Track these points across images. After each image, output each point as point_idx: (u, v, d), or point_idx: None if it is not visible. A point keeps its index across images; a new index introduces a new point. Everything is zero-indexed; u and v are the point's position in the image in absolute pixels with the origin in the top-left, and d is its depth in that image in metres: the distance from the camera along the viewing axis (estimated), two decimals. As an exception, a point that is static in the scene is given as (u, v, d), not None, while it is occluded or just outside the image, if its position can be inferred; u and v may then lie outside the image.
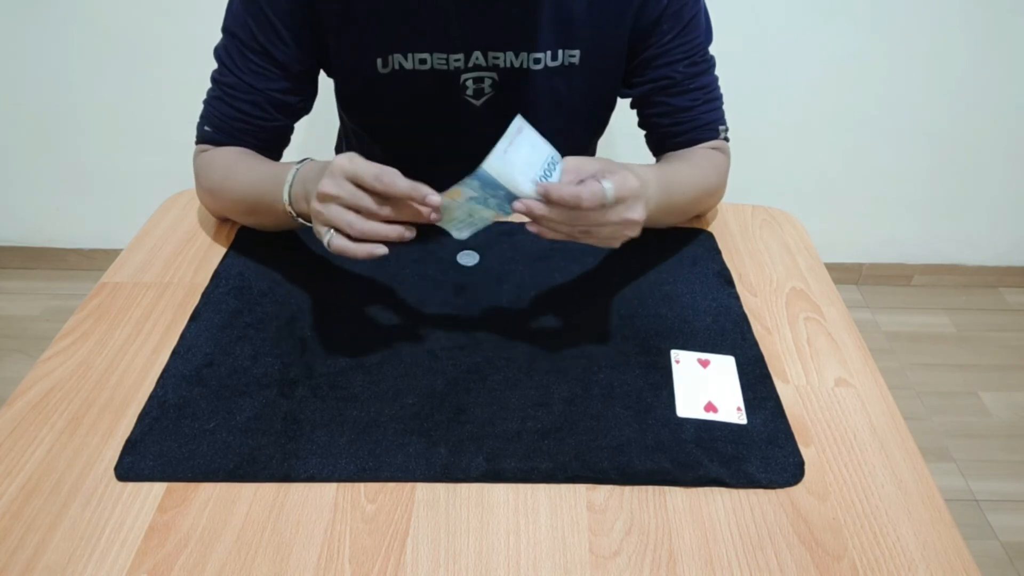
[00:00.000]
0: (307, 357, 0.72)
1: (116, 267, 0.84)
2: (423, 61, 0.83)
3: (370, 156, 1.02)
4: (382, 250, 0.63)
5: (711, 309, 0.80)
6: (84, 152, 1.84)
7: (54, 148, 1.83)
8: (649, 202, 0.70)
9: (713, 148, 0.91)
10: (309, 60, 0.85)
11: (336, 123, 1.11)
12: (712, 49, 0.91)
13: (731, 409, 0.68)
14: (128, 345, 0.74)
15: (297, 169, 0.73)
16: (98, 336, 0.75)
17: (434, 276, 0.83)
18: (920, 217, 1.98)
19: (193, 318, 0.76)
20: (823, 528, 0.59)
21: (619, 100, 0.97)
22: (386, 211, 0.63)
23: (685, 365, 0.73)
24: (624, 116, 1.00)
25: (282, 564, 0.55)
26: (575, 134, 1.00)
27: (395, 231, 0.64)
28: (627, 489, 0.61)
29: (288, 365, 0.71)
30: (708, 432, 0.66)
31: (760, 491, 0.62)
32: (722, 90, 0.93)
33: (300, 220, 0.73)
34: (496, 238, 0.89)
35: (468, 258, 0.86)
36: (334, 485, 0.61)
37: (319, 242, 0.86)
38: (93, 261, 2.03)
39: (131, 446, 0.63)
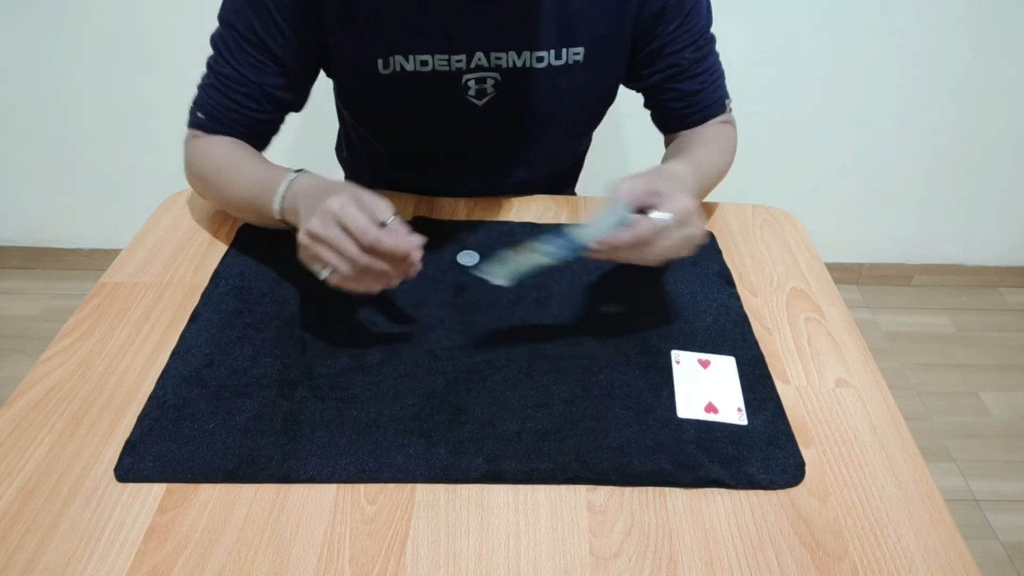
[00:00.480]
0: (307, 357, 0.72)
1: (116, 267, 0.84)
2: (424, 62, 0.83)
3: (371, 155, 1.03)
4: (376, 290, 0.67)
5: (711, 309, 0.80)
6: (84, 152, 1.84)
7: (54, 148, 1.83)
8: (686, 181, 0.76)
9: (722, 123, 0.94)
10: (307, 58, 0.84)
11: (336, 123, 1.11)
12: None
13: (731, 410, 0.68)
14: (128, 345, 0.73)
15: (291, 180, 0.74)
16: (98, 336, 0.75)
17: (434, 276, 0.83)
18: (920, 217, 1.98)
19: (193, 318, 0.76)
20: (824, 529, 0.59)
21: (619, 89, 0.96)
22: (365, 260, 0.63)
23: (685, 365, 0.73)
24: (624, 106, 1.00)
25: (282, 565, 0.55)
26: (575, 130, 1.00)
27: (377, 285, 0.66)
28: (627, 490, 0.61)
29: (288, 365, 0.71)
30: (708, 433, 0.66)
31: (761, 492, 0.62)
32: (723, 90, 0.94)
33: (289, 229, 0.73)
34: (496, 238, 0.89)
35: (468, 258, 0.86)
36: (334, 486, 0.61)
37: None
38: (93, 261, 2.03)
39: (131, 447, 0.63)
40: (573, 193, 1.16)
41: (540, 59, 0.84)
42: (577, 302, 0.80)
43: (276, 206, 0.74)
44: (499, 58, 0.84)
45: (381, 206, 0.65)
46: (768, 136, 1.81)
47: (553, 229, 0.77)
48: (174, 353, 0.72)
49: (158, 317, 0.77)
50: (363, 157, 1.06)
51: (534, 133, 0.93)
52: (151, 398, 0.67)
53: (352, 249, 0.63)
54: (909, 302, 2.07)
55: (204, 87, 0.85)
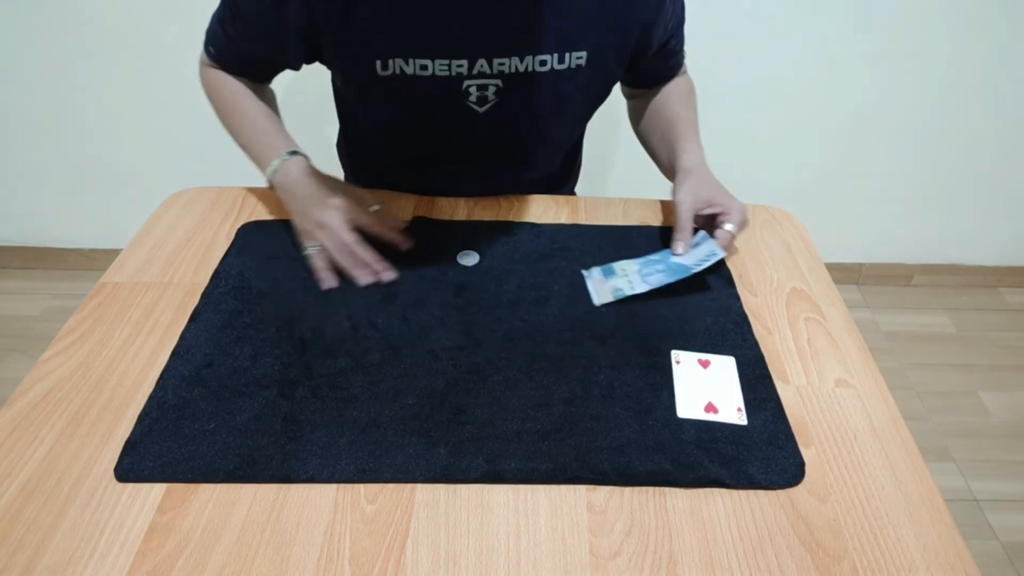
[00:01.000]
0: (307, 357, 0.72)
1: (116, 267, 0.84)
2: (424, 67, 0.82)
3: (371, 154, 1.03)
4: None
5: (711, 309, 0.80)
6: (84, 152, 1.84)
7: (54, 148, 1.83)
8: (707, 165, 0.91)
9: (681, 75, 1.05)
10: (307, 49, 0.85)
11: (336, 123, 1.11)
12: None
13: (731, 410, 0.68)
14: (128, 345, 0.73)
15: (284, 160, 0.86)
16: (98, 336, 0.75)
17: (434, 276, 0.83)
18: (920, 217, 1.98)
19: (193, 318, 0.76)
20: (823, 529, 0.59)
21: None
22: (361, 252, 0.81)
23: (685, 365, 0.73)
24: (624, 106, 1.00)
25: (282, 565, 0.55)
26: (573, 130, 1.00)
27: (369, 276, 0.81)
28: (627, 490, 0.61)
29: (288, 365, 0.71)
30: (708, 433, 0.66)
31: (760, 492, 0.62)
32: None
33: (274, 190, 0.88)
34: (496, 238, 0.89)
35: (468, 258, 0.86)
36: (334, 486, 0.61)
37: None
38: (93, 261, 2.03)
39: (131, 447, 0.63)
40: (572, 192, 1.16)
41: (543, 63, 0.84)
42: (577, 302, 0.80)
43: (268, 174, 0.87)
44: (502, 64, 0.83)
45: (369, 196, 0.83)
46: (768, 136, 1.81)
47: (649, 258, 0.85)
48: (174, 353, 0.72)
49: (158, 317, 0.77)
50: (363, 155, 1.06)
51: (534, 137, 0.93)
52: (151, 398, 0.67)
53: (351, 243, 0.79)
54: (909, 302, 2.07)
55: (214, 28, 0.89)
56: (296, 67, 0.91)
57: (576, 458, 0.63)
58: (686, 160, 0.90)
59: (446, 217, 0.94)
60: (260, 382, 0.69)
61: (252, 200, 0.97)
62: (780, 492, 0.62)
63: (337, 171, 1.19)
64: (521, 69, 0.84)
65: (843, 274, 2.09)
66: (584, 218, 0.95)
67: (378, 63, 0.82)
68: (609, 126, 1.12)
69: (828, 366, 0.75)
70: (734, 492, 0.62)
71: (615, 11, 0.84)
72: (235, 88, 0.92)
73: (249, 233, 0.90)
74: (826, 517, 0.60)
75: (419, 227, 0.91)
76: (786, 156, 1.85)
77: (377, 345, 0.73)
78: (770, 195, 1.84)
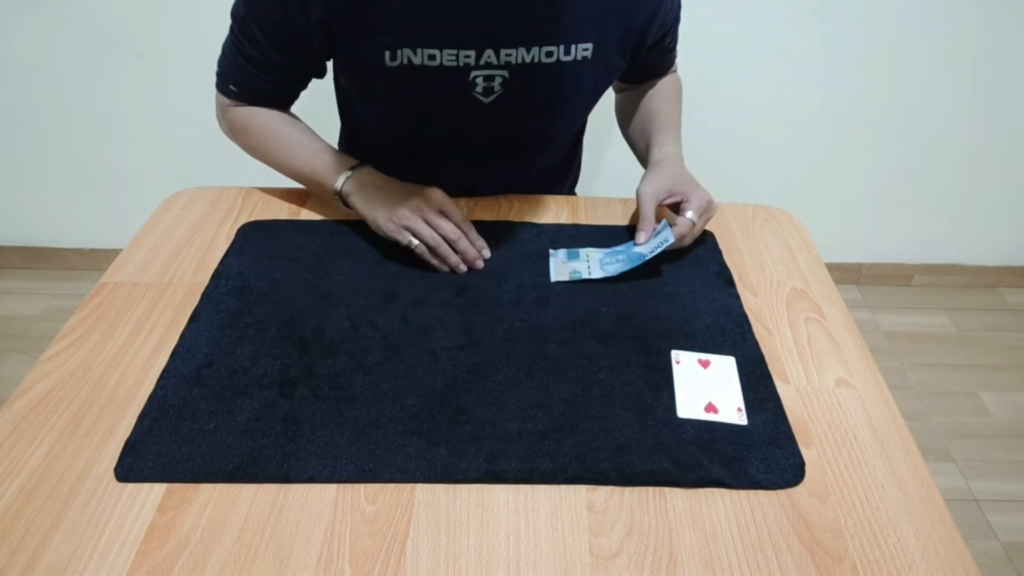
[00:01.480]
0: (307, 357, 0.72)
1: (116, 267, 0.84)
2: (432, 56, 0.83)
3: (371, 153, 1.03)
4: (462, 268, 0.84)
5: (711, 309, 0.80)
6: (84, 152, 1.84)
7: (54, 148, 1.83)
8: (681, 160, 0.94)
9: (671, 73, 1.06)
10: (323, 41, 0.85)
11: (336, 123, 1.11)
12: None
13: (732, 410, 0.68)
14: (128, 345, 0.73)
15: (357, 167, 0.89)
16: (98, 336, 0.75)
17: (434, 276, 0.83)
18: (920, 217, 1.98)
19: (193, 318, 0.76)
20: (824, 529, 0.59)
21: None
22: (455, 239, 0.84)
23: (685, 366, 0.73)
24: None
25: (282, 565, 0.55)
26: (577, 123, 1.01)
27: (457, 260, 0.84)
28: (627, 490, 0.61)
29: (288, 365, 0.71)
30: (708, 433, 0.66)
31: (761, 492, 0.62)
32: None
33: (341, 202, 0.89)
34: (496, 238, 0.89)
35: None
36: (334, 486, 0.61)
37: (319, 243, 0.87)
38: (93, 261, 2.03)
39: (131, 447, 0.63)
40: (573, 190, 1.16)
41: (549, 54, 0.84)
42: (577, 302, 0.80)
43: (340, 184, 0.88)
44: (509, 55, 0.83)
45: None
46: (768, 136, 1.81)
47: (610, 247, 0.87)
48: (174, 353, 0.72)
49: (158, 317, 0.77)
50: (365, 155, 1.06)
51: (538, 128, 0.93)
52: (151, 398, 0.67)
53: (450, 227, 0.84)
54: (909, 302, 2.07)
55: (231, 62, 0.89)
56: (320, 70, 0.92)
57: (576, 458, 0.63)
58: (656, 153, 0.93)
59: (446, 217, 0.94)
60: (260, 382, 0.69)
61: (252, 200, 0.97)
62: (780, 492, 0.62)
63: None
64: (528, 60, 0.84)
65: (843, 274, 2.09)
66: (584, 218, 0.95)
67: (387, 53, 0.82)
68: (609, 126, 1.12)
69: (828, 366, 0.75)
70: (734, 492, 0.62)
71: (620, 3, 0.84)
72: (270, 117, 0.93)
73: (249, 233, 0.90)
74: (826, 517, 0.60)
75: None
76: (786, 156, 1.85)
77: (377, 345, 0.73)
78: (770, 195, 1.84)
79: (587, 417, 0.67)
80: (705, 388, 0.70)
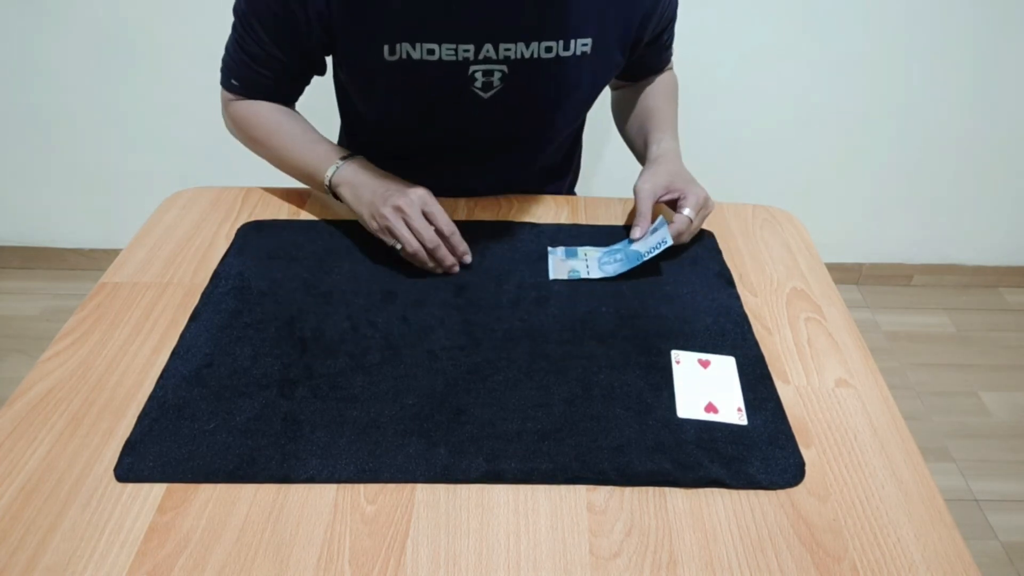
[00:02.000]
0: (307, 357, 0.72)
1: (116, 267, 0.84)
2: (431, 51, 0.83)
3: (373, 150, 1.04)
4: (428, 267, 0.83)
5: (711, 309, 0.80)
6: (84, 152, 1.84)
7: (54, 148, 1.83)
8: (679, 156, 0.94)
9: (667, 71, 1.07)
10: (324, 37, 0.85)
11: (335, 121, 1.11)
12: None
13: (732, 410, 0.68)
14: (128, 345, 0.73)
15: (349, 158, 0.88)
16: (98, 336, 0.75)
17: (434, 276, 0.83)
18: (920, 217, 1.98)
19: (193, 318, 0.76)
20: (824, 529, 0.59)
21: None
22: (433, 245, 0.81)
23: (685, 365, 0.73)
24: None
25: (282, 565, 0.55)
26: (576, 120, 1.01)
27: (445, 266, 0.83)
28: (627, 490, 0.61)
29: (288, 365, 0.71)
30: (708, 433, 0.66)
31: (761, 492, 0.62)
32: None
33: (331, 194, 0.89)
34: (496, 238, 0.89)
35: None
36: (334, 486, 0.61)
37: (319, 243, 0.87)
38: (93, 261, 2.03)
39: (131, 447, 0.63)
40: (573, 188, 1.16)
41: (549, 49, 0.84)
42: (577, 302, 0.80)
43: (329, 175, 0.87)
44: (508, 49, 0.83)
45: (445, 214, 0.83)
46: (769, 136, 1.81)
47: (608, 246, 0.88)
48: (174, 353, 0.72)
49: (158, 317, 0.77)
50: (365, 152, 1.07)
51: (537, 124, 0.93)
52: (151, 398, 0.67)
53: (429, 233, 0.81)
54: (909, 302, 2.07)
55: (233, 57, 0.90)
56: (320, 67, 0.92)
57: (576, 458, 0.63)
58: (654, 150, 0.93)
59: (446, 217, 0.94)
60: (260, 382, 0.69)
61: (252, 200, 0.97)
62: (780, 492, 0.62)
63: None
64: (527, 55, 0.84)
65: (843, 274, 2.09)
66: (584, 218, 0.95)
67: (386, 48, 0.82)
68: (608, 124, 1.12)
69: (828, 366, 0.75)
70: (734, 492, 0.62)
71: None
72: (270, 110, 0.93)
73: (249, 233, 0.90)
74: (826, 517, 0.60)
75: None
76: (786, 156, 1.85)
77: (377, 345, 0.73)
78: (770, 195, 1.84)
79: (587, 417, 0.67)
80: (705, 388, 0.70)
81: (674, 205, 0.87)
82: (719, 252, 0.89)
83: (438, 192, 0.98)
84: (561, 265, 0.85)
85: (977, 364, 1.86)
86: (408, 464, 0.62)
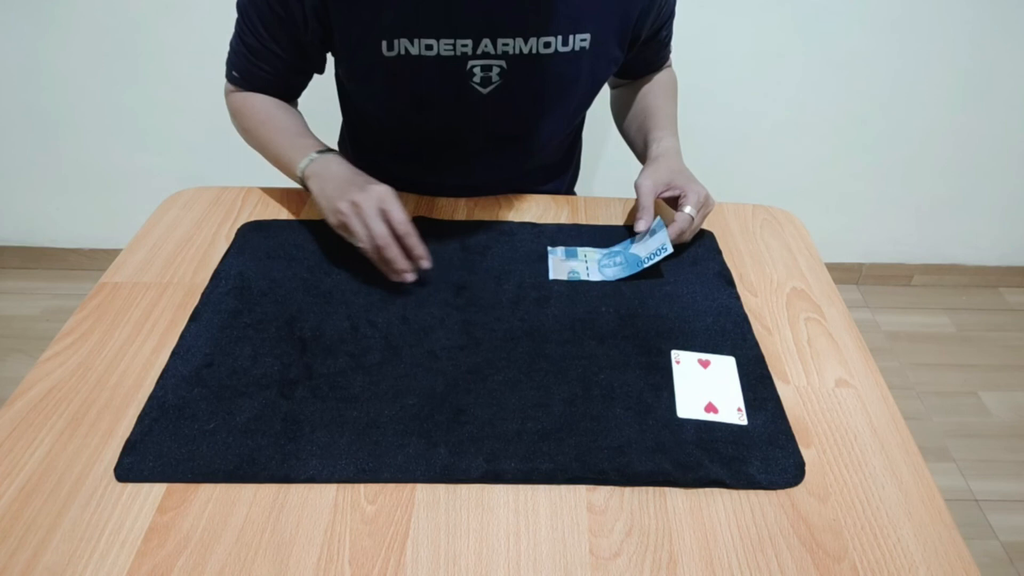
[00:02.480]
0: (307, 357, 0.72)
1: (116, 267, 0.84)
2: (429, 47, 0.83)
3: (373, 148, 1.04)
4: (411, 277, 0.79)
5: (711, 309, 0.80)
6: (84, 152, 1.84)
7: (54, 148, 1.83)
8: (679, 154, 0.94)
9: (665, 68, 1.07)
10: (322, 31, 0.86)
11: (336, 121, 1.11)
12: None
13: (732, 410, 0.68)
14: (128, 345, 0.73)
15: (323, 152, 0.87)
16: (98, 336, 0.75)
17: (434, 276, 0.83)
18: (920, 217, 1.98)
19: (193, 318, 0.76)
20: (824, 529, 0.59)
21: None
22: (387, 244, 0.77)
23: (685, 366, 0.73)
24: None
25: (282, 565, 0.55)
26: (575, 116, 1.01)
27: (396, 268, 0.79)
28: (627, 490, 0.61)
29: (288, 365, 0.71)
30: (708, 433, 0.66)
31: (761, 492, 0.62)
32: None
33: (304, 186, 0.88)
34: (496, 237, 0.89)
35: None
36: (334, 486, 0.61)
37: (319, 243, 0.87)
38: (93, 261, 2.03)
39: (131, 447, 0.63)
40: (573, 186, 1.16)
41: (547, 45, 0.84)
42: (577, 302, 0.80)
43: (301, 167, 0.86)
44: (506, 44, 0.83)
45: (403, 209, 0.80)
46: (768, 136, 1.81)
47: (611, 249, 0.88)
48: (174, 353, 0.72)
49: (158, 317, 0.77)
50: (366, 150, 1.07)
51: (537, 120, 0.93)
52: (151, 398, 0.67)
53: (383, 230, 0.77)
54: (909, 302, 2.07)
55: (235, 50, 0.91)
56: (319, 64, 0.92)
57: (576, 458, 0.63)
58: (655, 149, 0.94)
59: (446, 217, 0.94)
60: (260, 382, 0.69)
61: (252, 200, 0.97)
62: (780, 492, 0.62)
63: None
64: (525, 51, 0.84)
65: (843, 274, 2.09)
66: (584, 218, 0.95)
67: (384, 43, 0.82)
68: (608, 123, 1.12)
69: (828, 366, 0.75)
70: (734, 492, 0.62)
71: None
72: (264, 102, 0.94)
73: (249, 233, 0.90)
74: (826, 517, 0.60)
75: (419, 227, 0.91)
76: (786, 156, 1.85)
77: (377, 345, 0.73)
78: (770, 195, 1.84)
79: (587, 417, 0.67)
80: (705, 388, 0.70)
81: (674, 203, 0.87)
82: (719, 252, 0.89)
83: (439, 189, 0.99)
84: (561, 265, 0.85)
85: (977, 364, 1.86)
86: (408, 464, 0.62)
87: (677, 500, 0.61)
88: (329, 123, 1.12)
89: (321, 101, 1.04)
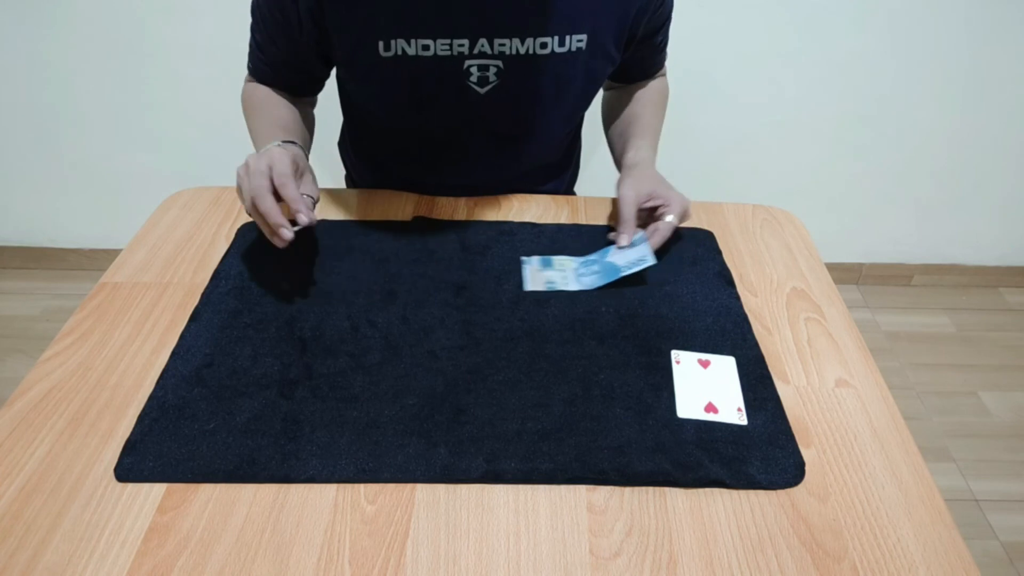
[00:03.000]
0: (307, 357, 0.72)
1: (116, 267, 0.84)
2: (426, 47, 0.83)
3: (373, 147, 1.04)
4: (287, 235, 0.73)
5: (711, 309, 0.80)
6: (84, 152, 1.84)
7: (54, 148, 1.83)
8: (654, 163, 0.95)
9: (659, 76, 1.07)
10: (318, 32, 0.86)
11: (337, 121, 1.11)
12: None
13: (731, 410, 0.68)
14: (128, 345, 0.73)
15: (278, 144, 0.82)
16: (98, 336, 0.75)
17: (434, 276, 0.83)
18: (920, 217, 1.98)
19: (193, 318, 0.76)
20: (823, 529, 0.59)
21: None
22: (260, 195, 0.73)
23: (685, 366, 0.73)
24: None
25: (282, 565, 0.55)
26: (571, 117, 1.01)
27: (269, 223, 0.74)
28: (627, 490, 0.61)
29: (288, 365, 0.71)
30: (708, 433, 0.66)
31: (760, 492, 0.62)
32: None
33: None
34: (496, 237, 0.89)
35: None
36: (334, 486, 0.61)
37: (319, 243, 0.87)
38: (93, 261, 2.03)
39: (131, 447, 0.63)
40: (573, 186, 1.16)
41: (544, 45, 0.84)
42: (577, 302, 0.80)
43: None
44: (502, 44, 0.84)
45: (311, 184, 0.80)
46: (769, 136, 1.81)
47: (588, 257, 0.86)
48: (174, 353, 0.72)
49: (158, 317, 0.77)
50: (366, 149, 1.07)
51: (535, 120, 0.93)
52: (151, 398, 0.67)
53: (260, 182, 0.73)
54: (909, 302, 2.07)
55: (249, 43, 0.93)
56: (319, 65, 0.92)
57: (576, 458, 0.63)
58: (631, 157, 0.94)
59: (446, 217, 0.94)
60: (260, 382, 0.69)
61: (252, 200, 0.97)
62: (780, 492, 0.62)
63: (338, 171, 1.19)
64: (522, 51, 0.84)
65: (843, 274, 2.09)
66: (584, 218, 0.95)
67: (380, 44, 0.83)
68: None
69: (828, 366, 0.75)
70: (734, 492, 0.62)
71: None
72: (263, 93, 0.95)
73: (249, 233, 0.90)
74: (826, 517, 0.60)
75: (419, 227, 0.91)
76: (786, 156, 1.85)
77: (377, 345, 0.73)
78: (770, 195, 1.84)
79: (587, 417, 0.67)
80: (705, 388, 0.70)
81: (654, 212, 0.88)
82: (719, 252, 0.89)
83: (439, 189, 0.99)
84: (537, 275, 0.84)
85: (977, 364, 1.86)
86: (408, 464, 0.62)
87: (677, 500, 0.61)
88: (329, 123, 1.12)
89: (321, 101, 1.04)
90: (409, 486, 0.61)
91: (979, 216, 1.98)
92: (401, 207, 0.95)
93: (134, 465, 0.61)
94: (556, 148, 1.05)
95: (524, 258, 0.87)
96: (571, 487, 0.61)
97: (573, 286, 0.82)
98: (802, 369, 0.74)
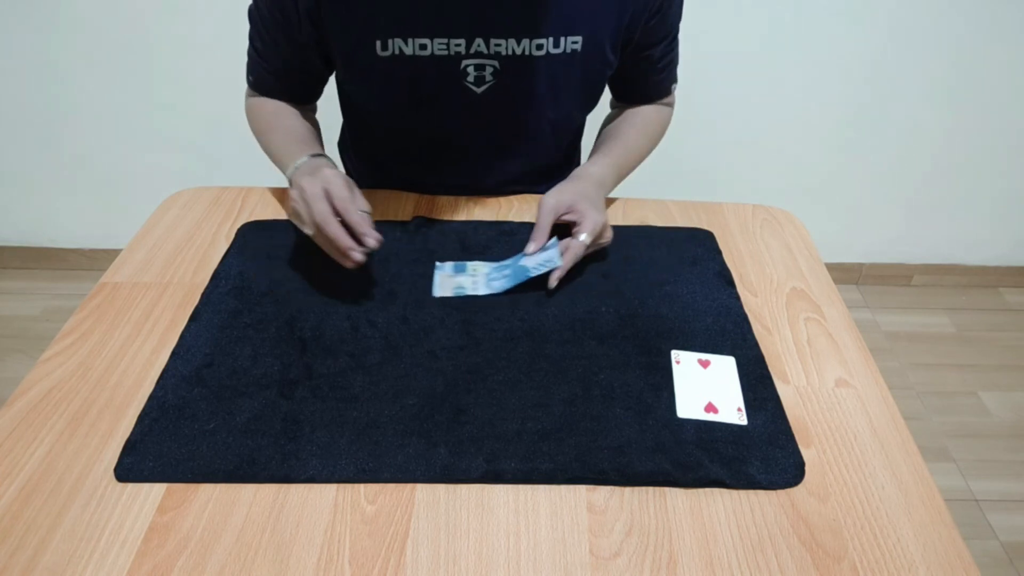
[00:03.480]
0: (307, 357, 0.72)
1: (116, 267, 0.84)
2: (423, 46, 0.83)
3: (372, 147, 1.04)
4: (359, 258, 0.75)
5: (711, 309, 0.80)
6: (84, 152, 1.84)
7: (54, 148, 1.83)
8: (607, 193, 0.92)
9: (663, 104, 1.03)
10: (317, 33, 0.86)
11: (337, 121, 1.11)
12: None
13: (731, 410, 0.68)
14: (128, 345, 0.73)
15: (312, 157, 0.85)
16: (98, 336, 0.74)
17: (434, 276, 0.83)
18: (920, 217, 1.98)
19: (193, 318, 0.76)
20: (823, 529, 0.59)
21: None
22: (326, 220, 0.74)
23: (685, 365, 0.73)
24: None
25: (282, 565, 0.55)
26: (569, 119, 1.01)
27: (339, 247, 0.74)
28: (627, 490, 0.61)
29: (288, 365, 0.71)
30: (708, 433, 0.66)
31: (760, 492, 0.62)
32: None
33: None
34: (496, 237, 0.89)
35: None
36: (334, 486, 0.61)
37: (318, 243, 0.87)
38: (93, 261, 2.03)
39: (131, 447, 0.63)
40: None
41: (539, 47, 0.85)
42: (577, 302, 0.80)
43: (289, 172, 0.85)
44: (498, 45, 0.84)
45: (362, 198, 0.77)
46: (769, 136, 1.81)
47: (502, 262, 0.85)
48: (174, 353, 0.72)
49: (158, 317, 0.77)
50: (365, 150, 1.07)
51: (533, 120, 0.94)
52: (151, 398, 0.67)
53: (322, 207, 0.74)
54: (909, 302, 2.07)
55: (248, 54, 0.93)
56: (321, 64, 0.91)
57: (576, 458, 0.63)
58: (582, 167, 0.92)
59: (446, 217, 0.94)
60: (260, 382, 0.69)
61: (252, 200, 0.97)
62: (780, 492, 0.62)
63: (338, 168, 1.19)
64: (518, 52, 0.84)
65: (843, 274, 2.09)
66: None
67: (378, 43, 0.83)
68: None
69: (828, 366, 0.75)
70: (734, 492, 0.62)
71: None
72: (272, 106, 0.95)
73: (249, 233, 0.90)
74: (826, 517, 0.60)
75: (419, 227, 0.91)
76: (786, 156, 1.85)
77: (377, 345, 0.73)
78: (770, 195, 1.84)
79: (587, 417, 0.67)
80: (705, 388, 0.70)
81: (572, 226, 0.84)
82: (719, 252, 0.89)
83: (439, 189, 0.99)
84: (447, 281, 0.82)
85: (977, 364, 1.86)
86: (408, 464, 0.62)
87: (677, 500, 0.61)
88: (329, 123, 1.12)
89: (321, 101, 1.04)
90: (409, 486, 0.61)
91: (979, 216, 1.98)
92: (401, 207, 0.95)
93: (134, 465, 0.61)
94: (556, 149, 1.05)
95: (438, 263, 0.85)
96: (571, 487, 0.61)
97: (483, 291, 0.80)
98: (802, 369, 0.74)
